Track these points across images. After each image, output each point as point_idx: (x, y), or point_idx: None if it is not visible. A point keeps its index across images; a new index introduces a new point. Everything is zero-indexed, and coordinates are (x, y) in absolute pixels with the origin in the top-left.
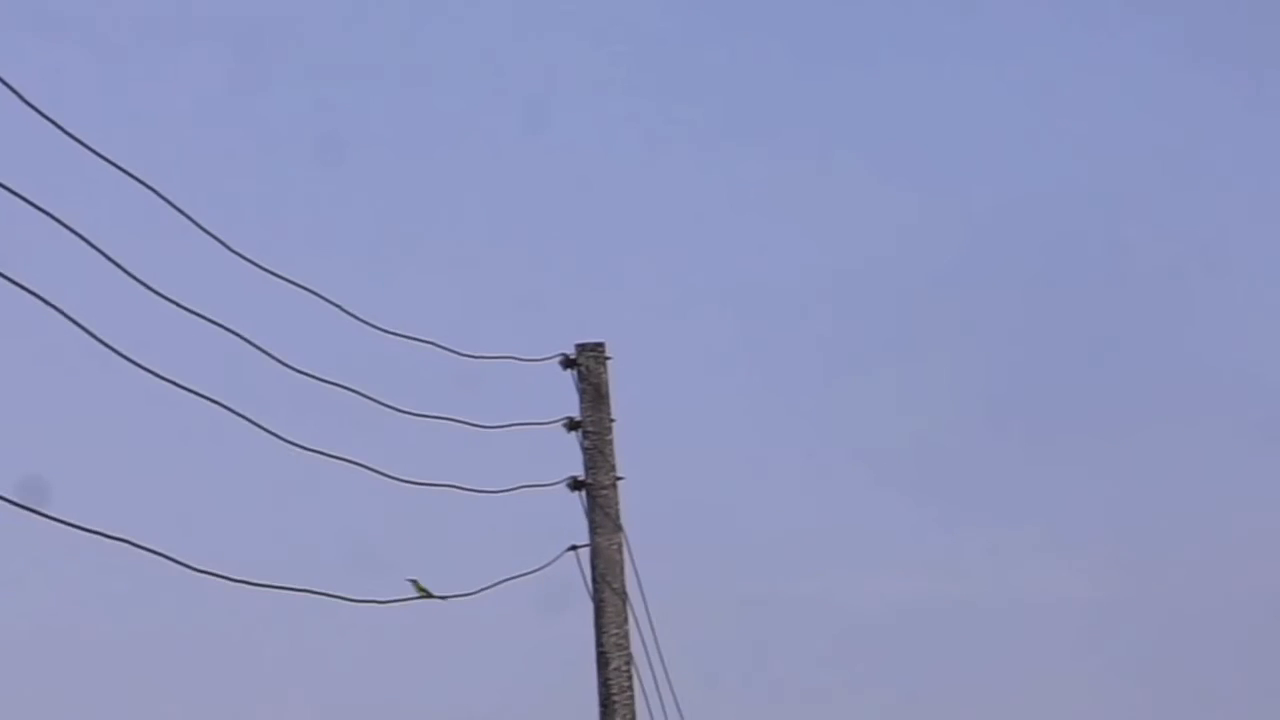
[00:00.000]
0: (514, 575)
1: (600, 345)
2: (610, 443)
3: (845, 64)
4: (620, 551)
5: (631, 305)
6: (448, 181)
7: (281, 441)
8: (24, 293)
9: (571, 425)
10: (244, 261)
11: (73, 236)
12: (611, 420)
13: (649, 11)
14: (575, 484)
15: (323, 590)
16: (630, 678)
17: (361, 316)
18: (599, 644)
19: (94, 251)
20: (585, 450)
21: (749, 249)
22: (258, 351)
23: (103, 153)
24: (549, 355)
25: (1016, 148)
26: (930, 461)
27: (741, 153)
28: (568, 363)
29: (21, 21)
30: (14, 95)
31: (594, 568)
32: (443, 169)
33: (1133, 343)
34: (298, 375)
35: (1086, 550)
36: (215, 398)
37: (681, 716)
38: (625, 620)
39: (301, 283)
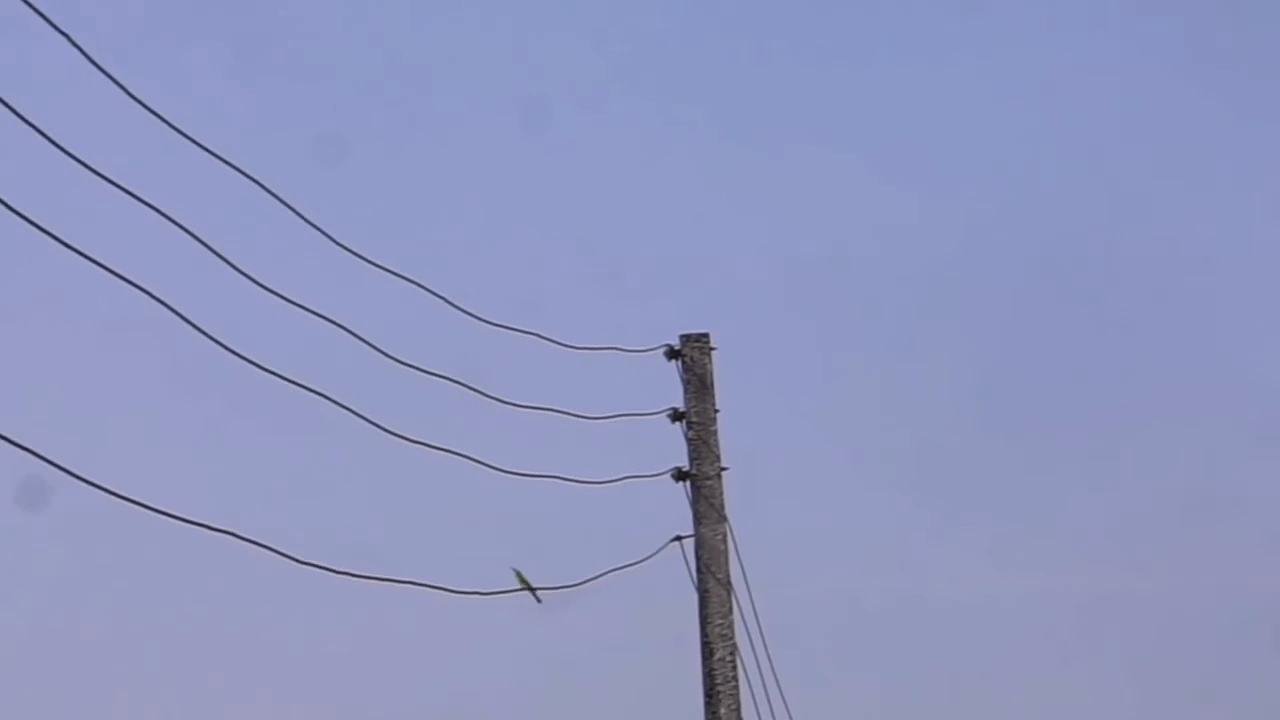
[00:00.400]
0: (619, 566)
1: (705, 336)
2: (715, 433)
3: (846, 64)
4: (725, 542)
5: (631, 305)
6: (448, 181)
7: (385, 433)
8: (128, 285)
9: (676, 416)
10: (347, 253)
11: (175, 229)
12: (716, 411)
13: (649, 12)
14: (680, 475)
15: (426, 581)
16: (735, 668)
17: (465, 308)
18: (703, 634)
19: (198, 244)
20: (690, 441)
21: (748, 248)
22: (361, 343)
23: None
24: (653, 346)
25: (1016, 148)
26: (929, 461)
27: (740, 153)
28: (672, 354)
29: (23, 22)
30: (122, 90)
31: (698, 558)
32: (443, 168)
33: (1132, 342)
34: (400, 367)
35: (1084, 549)
36: (318, 389)
37: (786, 707)
38: (730, 611)
39: (405, 275)
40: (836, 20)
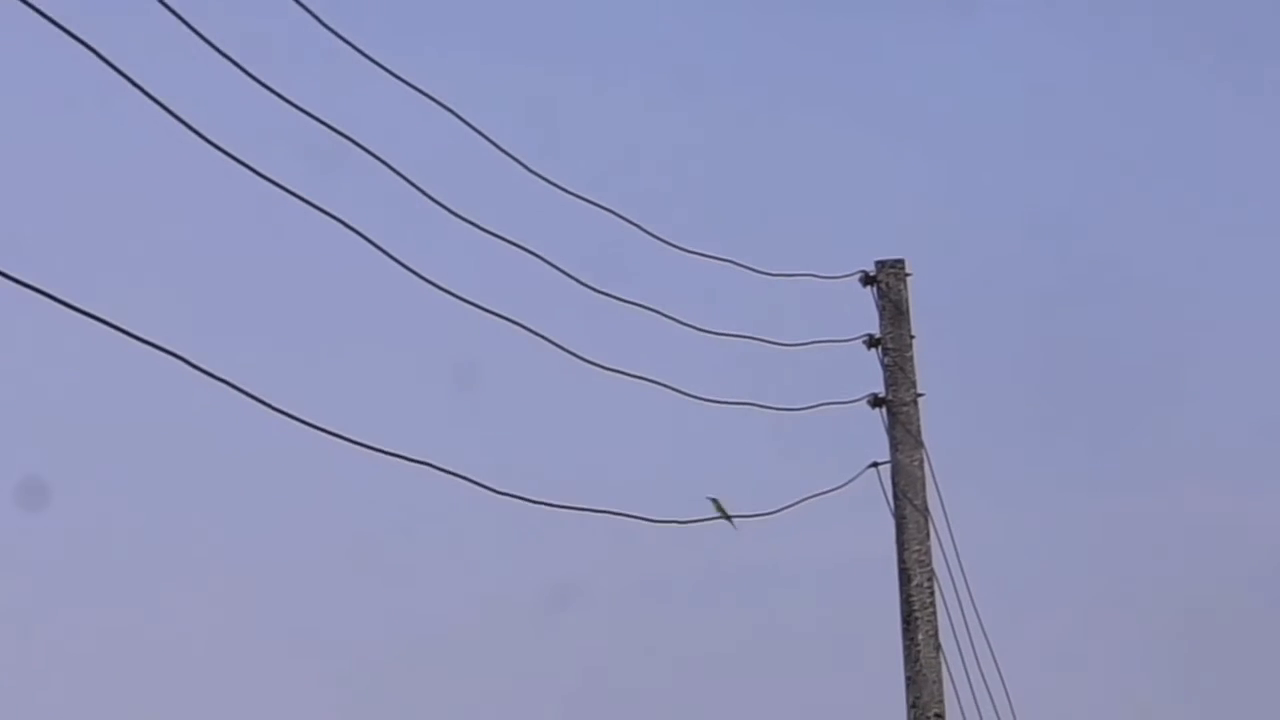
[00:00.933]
0: (817, 493)
1: (900, 262)
2: (911, 359)
3: (846, 64)
4: (921, 468)
5: (826, 231)
6: (448, 180)
7: (582, 362)
8: (329, 218)
9: (871, 342)
10: (543, 182)
11: (380, 167)
12: (911, 337)
13: (653, 12)
14: (876, 401)
15: (622, 511)
16: (932, 593)
17: (659, 235)
18: (901, 560)
19: (401, 180)
20: (885, 367)
21: (941, 177)
22: (558, 273)
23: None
24: (849, 273)
25: (1015, 147)
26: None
27: (739, 151)
28: (867, 280)
29: (27, 25)
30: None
31: (895, 484)
32: (443, 167)
33: (1131, 340)
34: (596, 295)
35: (1083, 548)
36: (515, 319)
37: (985, 633)
38: (927, 536)
39: (600, 203)
40: (836, 21)
